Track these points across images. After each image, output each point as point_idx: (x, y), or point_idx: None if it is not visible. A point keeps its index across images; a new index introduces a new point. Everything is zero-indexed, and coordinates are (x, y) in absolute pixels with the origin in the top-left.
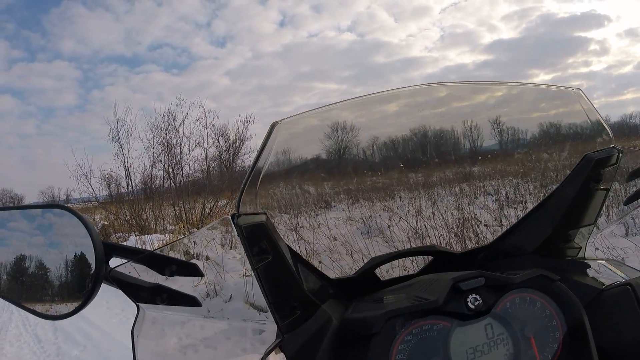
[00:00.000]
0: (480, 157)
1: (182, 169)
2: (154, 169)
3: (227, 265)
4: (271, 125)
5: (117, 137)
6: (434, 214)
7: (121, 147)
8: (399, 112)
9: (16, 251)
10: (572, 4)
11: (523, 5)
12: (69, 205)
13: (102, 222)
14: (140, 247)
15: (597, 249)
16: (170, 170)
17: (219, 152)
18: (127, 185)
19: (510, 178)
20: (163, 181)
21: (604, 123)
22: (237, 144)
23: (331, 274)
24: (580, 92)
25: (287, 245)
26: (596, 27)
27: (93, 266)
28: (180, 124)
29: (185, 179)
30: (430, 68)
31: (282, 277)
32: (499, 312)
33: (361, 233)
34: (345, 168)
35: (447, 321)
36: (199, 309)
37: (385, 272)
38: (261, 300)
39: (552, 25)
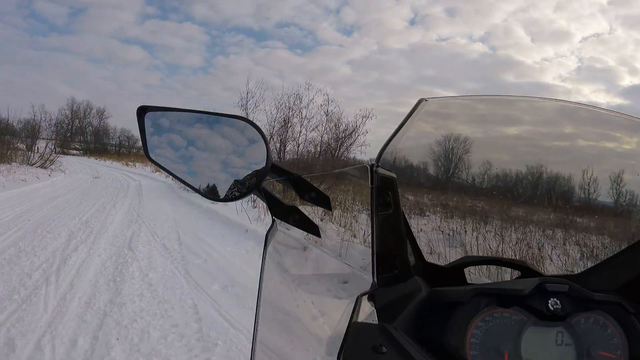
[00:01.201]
0: (590, 212)
1: (298, 146)
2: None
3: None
4: (419, 100)
5: (245, 107)
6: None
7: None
8: (519, 136)
9: (195, 143)
10: None
11: None
12: None
13: None
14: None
15: None
16: (281, 146)
17: (329, 140)
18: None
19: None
20: (279, 154)
21: None
22: (347, 135)
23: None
24: None
25: (404, 213)
26: None
27: (254, 174)
28: (305, 107)
29: (294, 157)
30: (564, 99)
31: (394, 233)
32: (573, 324)
33: (444, 240)
34: (452, 185)
35: (526, 316)
36: (317, 239)
37: (473, 277)
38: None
39: None
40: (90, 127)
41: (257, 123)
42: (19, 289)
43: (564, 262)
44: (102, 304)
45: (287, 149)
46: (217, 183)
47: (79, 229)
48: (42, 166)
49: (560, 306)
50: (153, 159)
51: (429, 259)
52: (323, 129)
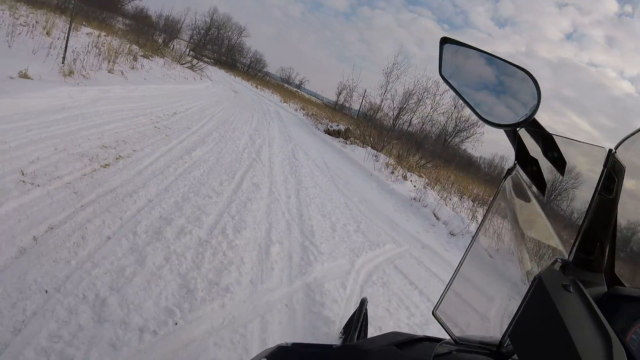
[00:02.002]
0: None
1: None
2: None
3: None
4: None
5: (388, 74)
6: None
7: (387, 85)
8: None
9: (484, 74)
10: None
11: None
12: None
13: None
14: None
15: None
16: (395, 112)
17: (447, 126)
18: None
19: None
20: (393, 121)
21: None
22: (466, 127)
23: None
24: None
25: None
26: None
27: (521, 117)
28: (439, 94)
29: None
30: None
31: (604, 220)
32: None
33: None
34: None
35: None
36: (540, 196)
37: None
38: None
39: None
40: (228, 41)
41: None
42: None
43: None
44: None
45: (406, 119)
46: (498, 112)
47: (254, 133)
48: (191, 68)
49: None
50: (444, 77)
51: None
52: (450, 116)
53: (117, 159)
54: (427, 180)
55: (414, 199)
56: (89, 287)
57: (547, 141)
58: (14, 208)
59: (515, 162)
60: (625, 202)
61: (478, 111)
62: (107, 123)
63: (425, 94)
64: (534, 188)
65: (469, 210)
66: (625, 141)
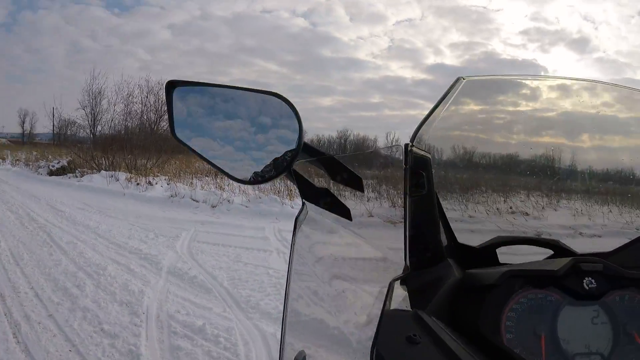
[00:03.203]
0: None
1: (112, 120)
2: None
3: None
4: (457, 79)
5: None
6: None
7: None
8: (561, 115)
9: (225, 122)
10: (516, 49)
11: (472, 39)
12: None
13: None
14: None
15: None
16: (91, 119)
17: (147, 112)
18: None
19: None
20: (90, 129)
21: None
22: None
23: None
24: None
25: (437, 194)
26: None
27: (288, 154)
28: (104, 77)
29: (109, 130)
30: (371, 73)
31: (426, 215)
32: (608, 302)
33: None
34: (490, 165)
35: (561, 296)
36: (348, 223)
37: (505, 257)
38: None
39: (493, 63)
40: None
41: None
42: None
43: (595, 242)
44: None
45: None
46: (248, 165)
47: None
48: None
49: (595, 285)
50: (180, 138)
51: (462, 239)
52: (141, 100)
53: None
54: (168, 176)
55: (171, 196)
56: None
57: (330, 164)
58: None
59: (304, 201)
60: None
61: (228, 171)
62: None
63: (102, 82)
64: (339, 217)
65: (216, 186)
66: (420, 131)
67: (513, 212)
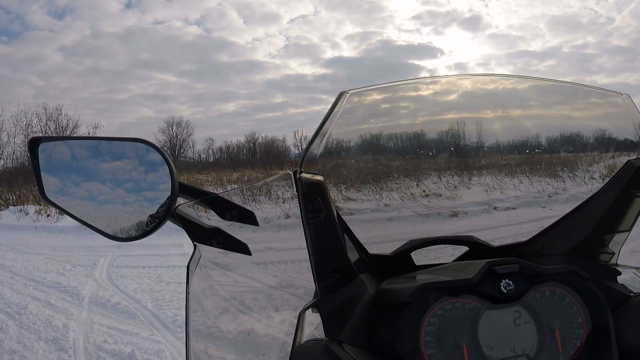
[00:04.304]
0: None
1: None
2: None
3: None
4: (339, 94)
5: None
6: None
7: None
8: (450, 113)
9: (97, 176)
10: (411, 34)
11: (366, 29)
12: None
13: None
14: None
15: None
16: None
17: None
18: None
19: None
20: None
21: None
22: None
23: (370, 249)
24: (629, 98)
25: (337, 212)
26: (429, 57)
27: (165, 200)
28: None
29: (12, 163)
30: (271, 74)
31: (329, 237)
32: (529, 301)
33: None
34: (386, 171)
35: (479, 302)
36: (248, 257)
37: (420, 257)
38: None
39: (390, 51)
40: None
41: None
42: None
43: (509, 215)
44: None
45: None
46: (125, 219)
47: None
48: None
49: (513, 286)
50: (50, 199)
51: (374, 249)
52: (41, 129)
53: None
54: None
55: None
56: None
57: (216, 203)
58: None
59: (195, 244)
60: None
61: (106, 230)
62: None
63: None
64: (237, 255)
65: None
66: (310, 153)
67: (427, 195)
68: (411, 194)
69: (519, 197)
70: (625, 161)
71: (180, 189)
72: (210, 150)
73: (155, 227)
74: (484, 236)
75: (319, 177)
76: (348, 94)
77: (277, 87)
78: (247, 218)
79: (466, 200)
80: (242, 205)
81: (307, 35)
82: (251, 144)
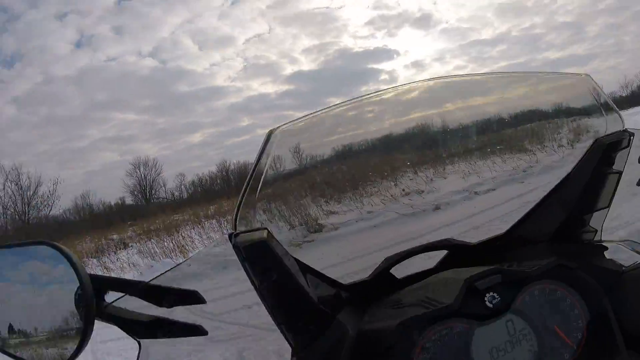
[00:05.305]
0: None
1: None
2: None
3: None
4: (267, 133)
5: None
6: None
7: None
8: (381, 130)
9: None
10: (366, 40)
11: (322, 40)
12: None
13: None
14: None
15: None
16: None
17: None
18: None
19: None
20: None
21: (614, 107)
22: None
23: (345, 279)
24: (590, 77)
25: (294, 257)
26: (387, 59)
27: (81, 308)
28: None
29: None
30: (234, 97)
31: (290, 294)
32: (519, 306)
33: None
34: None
35: (466, 323)
36: (205, 337)
37: (402, 267)
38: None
39: (348, 59)
40: None
41: None
42: None
43: (491, 198)
44: None
45: None
46: (40, 340)
47: None
48: None
49: (498, 298)
50: None
51: (352, 278)
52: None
53: None
54: None
55: None
56: None
57: (148, 292)
58: None
59: (139, 341)
60: None
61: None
62: None
63: None
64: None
65: (102, 266)
66: (244, 208)
67: (408, 194)
68: (391, 196)
69: (496, 177)
70: (593, 140)
71: (104, 284)
72: (182, 187)
73: (84, 338)
74: (472, 223)
75: (262, 233)
76: (278, 131)
77: (242, 110)
78: (190, 298)
79: (446, 190)
80: (180, 287)
81: (265, 54)
82: (224, 173)
